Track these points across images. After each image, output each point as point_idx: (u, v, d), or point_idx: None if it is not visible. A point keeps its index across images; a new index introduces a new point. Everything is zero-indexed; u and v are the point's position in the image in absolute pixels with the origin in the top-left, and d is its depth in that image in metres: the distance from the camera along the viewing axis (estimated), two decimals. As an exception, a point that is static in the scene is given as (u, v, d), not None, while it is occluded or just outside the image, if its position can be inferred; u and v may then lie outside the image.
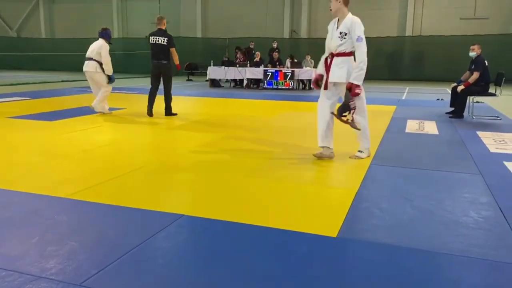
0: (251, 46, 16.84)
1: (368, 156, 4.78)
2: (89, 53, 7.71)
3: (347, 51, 4.51)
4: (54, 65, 25.83)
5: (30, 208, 3.09)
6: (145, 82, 16.82)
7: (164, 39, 7.52)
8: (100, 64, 7.63)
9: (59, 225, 2.79)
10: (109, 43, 7.80)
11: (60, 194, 3.37)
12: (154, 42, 7.55)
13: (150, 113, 7.64)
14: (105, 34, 7.80)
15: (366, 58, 4.39)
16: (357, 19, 4.54)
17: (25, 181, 3.77)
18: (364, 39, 4.45)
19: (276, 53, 15.48)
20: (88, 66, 7.67)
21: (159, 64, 7.57)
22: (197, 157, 4.82)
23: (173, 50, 7.57)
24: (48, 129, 6.38)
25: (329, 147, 4.72)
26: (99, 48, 7.63)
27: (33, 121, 7.03)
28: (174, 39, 7.76)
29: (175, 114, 7.77)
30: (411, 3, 20.86)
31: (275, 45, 16.29)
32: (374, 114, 8.30)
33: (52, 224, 2.80)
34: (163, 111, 7.79)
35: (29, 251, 2.40)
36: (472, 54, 7.85)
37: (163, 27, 7.68)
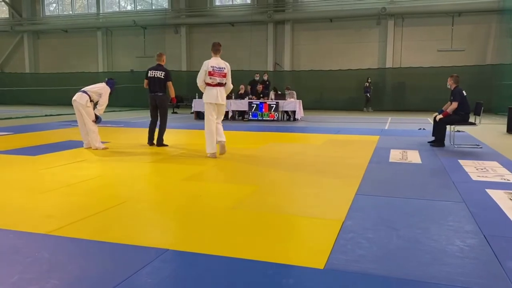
0: (256, 78, 16.39)
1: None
2: (87, 87, 7.67)
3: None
4: (38, 100, 25.77)
5: (10, 246, 3.00)
6: (129, 115, 16.81)
7: (162, 73, 7.90)
8: (91, 100, 7.62)
9: (40, 262, 2.71)
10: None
11: (41, 231, 3.29)
12: (153, 76, 7.91)
13: (150, 142, 8.07)
14: (110, 82, 7.90)
15: (199, 84, 6.82)
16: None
17: (5, 217, 3.68)
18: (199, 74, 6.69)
19: (261, 86, 15.65)
20: (80, 98, 7.52)
21: (155, 96, 7.92)
22: (182, 189, 4.78)
23: (169, 83, 7.95)
24: (31, 164, 6.28)
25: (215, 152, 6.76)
26: (101, 89, 7.65)
27: (15, 156, 6.93)
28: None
29: (166, 145, 8.02)
30: (391, 36, 21.56)
31: (265, 77, 16.50)
32: (358, 145, 8.41)
33: (33, 262, 2.73)
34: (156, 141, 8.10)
35: (8, 291, 2.32)
36: (449, 86, 8.14)
37: (162, 63, 8.05)
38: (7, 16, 29.12)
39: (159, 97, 7.91)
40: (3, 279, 2.47)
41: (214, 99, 6.71)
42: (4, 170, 5.86)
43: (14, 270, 2.59)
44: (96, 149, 7.56)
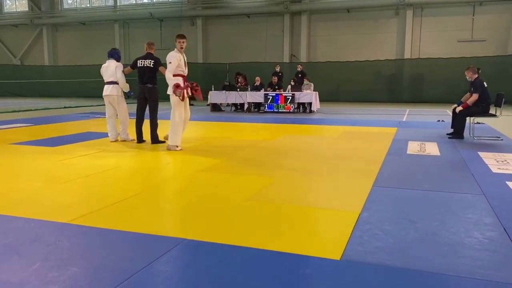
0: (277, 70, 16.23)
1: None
2: (109, 78, 7.54)
3: None
4: (57, 92, 26.13)
5: (31, 234, 3.07)
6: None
7: (150, 62, 7.25)
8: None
9: (61, 250, 2.77)
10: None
11: (61, 220, 3.36)
12: (142, 65, 7.28)
13: (139, 140, 7.48)
14: (114, 54, 7.74)
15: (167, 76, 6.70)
16: None
17: (26, 206, 3.76)
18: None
19: (275, 78, 15.56)
20: (112, 91, 7.49)
21: (144, 88, 7.28)
22: (198, 181, 4.82)
23: (161, 68, 7.24)
24: (50, 154, 6.39)
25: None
26: (118, 70, 7.49)
27: (35, 147, 7.06)
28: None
29: (163, 142, 7.34)
30: (409, 26, 21.17)
31: (278, 69, 16.29)
32: (376, 136, 8.33)
33: (54, 249, 2.79)
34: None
35: (30, 278, 2.38)
36: (469, 78, 7.97)
37: (152, 52, 7.47)
38: (27, 9, 29.53)
39: (148, 89, 7.24)
40: (25, 266, 2.53)
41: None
42: (25, 160, 5.98)
43: (36, 258, 2.65)
44: (124, 140, 7.66)
